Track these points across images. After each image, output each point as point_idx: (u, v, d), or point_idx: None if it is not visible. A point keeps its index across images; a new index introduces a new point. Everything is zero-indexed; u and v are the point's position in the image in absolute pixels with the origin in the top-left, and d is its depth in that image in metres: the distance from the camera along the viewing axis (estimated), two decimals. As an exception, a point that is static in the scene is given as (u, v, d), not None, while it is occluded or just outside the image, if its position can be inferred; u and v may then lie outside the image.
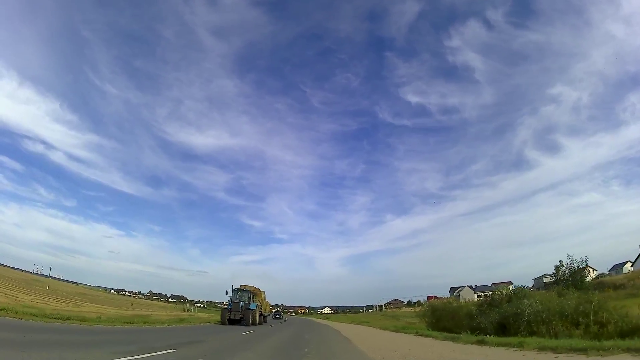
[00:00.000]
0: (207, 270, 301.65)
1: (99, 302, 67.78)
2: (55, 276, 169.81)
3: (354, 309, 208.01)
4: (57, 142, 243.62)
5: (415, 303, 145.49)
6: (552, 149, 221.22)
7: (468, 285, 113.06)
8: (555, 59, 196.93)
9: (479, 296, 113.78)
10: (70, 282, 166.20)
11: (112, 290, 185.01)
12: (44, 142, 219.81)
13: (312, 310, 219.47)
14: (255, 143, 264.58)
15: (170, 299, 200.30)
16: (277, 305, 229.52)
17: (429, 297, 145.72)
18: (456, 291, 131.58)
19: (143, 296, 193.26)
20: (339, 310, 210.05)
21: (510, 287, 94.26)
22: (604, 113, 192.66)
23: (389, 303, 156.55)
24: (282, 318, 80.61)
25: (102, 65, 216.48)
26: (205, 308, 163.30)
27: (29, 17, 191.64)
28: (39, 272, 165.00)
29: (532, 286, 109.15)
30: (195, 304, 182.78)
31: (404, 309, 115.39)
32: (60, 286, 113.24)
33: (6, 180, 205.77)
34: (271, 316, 69.93)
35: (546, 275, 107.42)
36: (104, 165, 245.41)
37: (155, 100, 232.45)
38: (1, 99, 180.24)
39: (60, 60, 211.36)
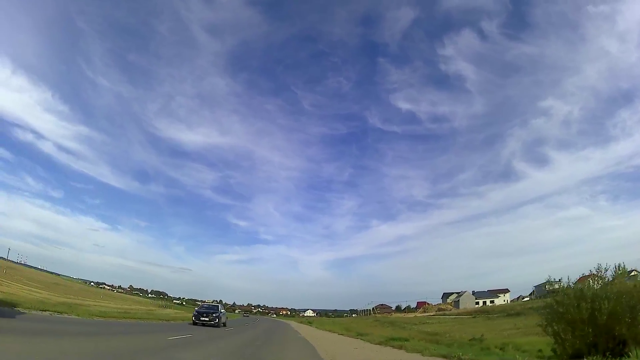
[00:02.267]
0: (191, 268, 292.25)
1: (53, 290, 57.06)
2: (38, 266, 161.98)
3: (337, 313, 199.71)
4: (47, 132, 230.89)
5: (405, 309, 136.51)
6: (541, 161, 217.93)
7: (470, 291, 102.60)
8: (548, 72, 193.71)
9: (477, 303, 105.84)
10: (51, 272, 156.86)
11: (92, 283, 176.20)
12: (34, 132, 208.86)
13: (295, 313, 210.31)
14: (245, 143, 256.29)
15: (150, 295, 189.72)
16: (258, 306, 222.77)
17: (419, 303, 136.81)
18: (450, 297, 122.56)
19: (122, 290, 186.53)
20: (321, 314, 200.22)
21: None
22: (594, 128, 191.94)
23: (375, 308, 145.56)
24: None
25: (95, 57, 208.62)
26: (184, 305, 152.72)
27: (25, 4, 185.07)
28: (22, 262, 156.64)
29: (533, 293, 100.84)
30: (174, 301, 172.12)
31: (395, 315, 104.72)
32: (31, 274, 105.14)
33: None
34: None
35: (549, 282, 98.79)
36: (93, 157, 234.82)
37: (146, 95, 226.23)
38: None
39: (54, 50, 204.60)
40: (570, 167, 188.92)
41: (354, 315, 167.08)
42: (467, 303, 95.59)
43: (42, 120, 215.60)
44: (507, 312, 52.84)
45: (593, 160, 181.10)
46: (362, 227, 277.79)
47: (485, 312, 63.21)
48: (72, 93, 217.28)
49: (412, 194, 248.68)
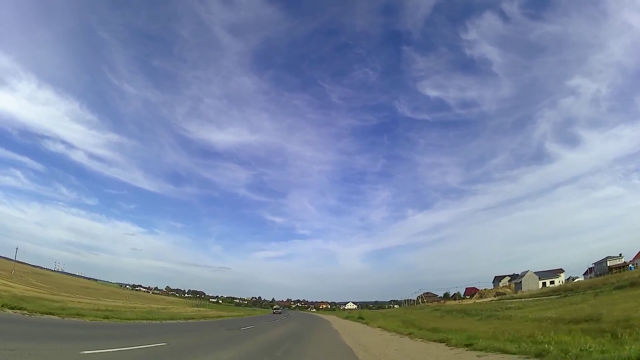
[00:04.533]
0: (230, 266, 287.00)
1: (68, 291, 48.95)
2: (76, 273, 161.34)
3: (378, 304, 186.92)
4: (78, 141, 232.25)
5: (453, 295, 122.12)
6: (572, 141, 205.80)
7: (532, 271, 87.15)
8: (573, 50, 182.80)
9: (544, 283, 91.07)
10: (88, 278, 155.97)
11: (128, 286, 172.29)
12: (64, 142, 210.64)
13: (335, 306, 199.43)
14: (275, 139, 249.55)
15: (187, 294, 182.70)
16: (297, 301, 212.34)
17: (468, 289, 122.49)
18: (502, 280, 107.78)
19: (159, 292, 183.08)
20: (362, 306, 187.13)
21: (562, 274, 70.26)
22: (623, 105, 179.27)
23: (421, 296, 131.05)
24: None
25: (120, 65, 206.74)
26: (219, 303, 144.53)
27: (45, 19, 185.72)
28: (60, 270, 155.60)
29: (592, 271, 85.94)
30: (211, 300, 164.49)
31: (449, 302, 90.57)
32: (60, 279, 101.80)
33: (27, 180, 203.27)
34: None
35: (610, 257, 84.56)
36: (125, 163, 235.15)
37: (174, 99, 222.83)
38: (21, 101, 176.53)
39: (78, 62, 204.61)
40: (602, 146, 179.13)
41: (395, 306, 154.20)
42: (531, 284, 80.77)
43: (72, 131, 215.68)
44: (613, 285, 38.69)
45: (624, 138, 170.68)
46: (398, 217, 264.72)
47: (567, 290, 48.94)
48: (99, 102, 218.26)
49: (446, 181, 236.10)
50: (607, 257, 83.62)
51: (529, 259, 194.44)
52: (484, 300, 74.72)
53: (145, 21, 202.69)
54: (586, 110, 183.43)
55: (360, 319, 46.83)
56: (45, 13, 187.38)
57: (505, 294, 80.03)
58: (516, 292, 75.06)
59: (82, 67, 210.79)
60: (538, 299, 45.57)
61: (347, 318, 57.28)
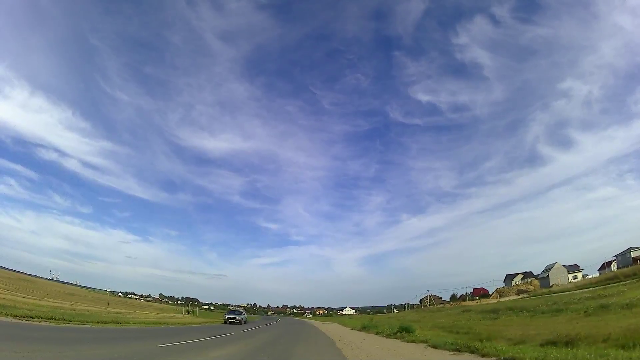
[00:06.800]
0: (226, 274, 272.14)
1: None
2: (71, 282, 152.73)
3: (376, 309, 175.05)
4: (71, 149, 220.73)
5: (460, 297, 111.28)
6: (566, 143, 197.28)
7: (560, 263, 76.65)
8: (564, 52, 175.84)
9: (574, 277, 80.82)
10: (82, 286, 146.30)
11: (120, 294, 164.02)
12: (57, 150, 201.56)
13: (332, 312, 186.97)
14: (268, 146, 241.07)
15: (180, 302, 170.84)
16: (293, 307, 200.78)
17: (475, 290, 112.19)
18: (514, 278, 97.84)
19: (151, 299, 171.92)
20: (360, 311, 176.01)
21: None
22: (615, 106, 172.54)
23: (426, 298, 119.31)
24: None
25: (112, 72, 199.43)
26: (211, 310, 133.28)
27: (38, 27, 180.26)
28: (54, 279, 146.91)
29: (609, 265, 77.42)
30: (203, 306, 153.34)
31: (465, 303, 79.63)
32: (47, 286, 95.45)
33: (21, 189, 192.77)
34: None
35: (633, 248, 75.89)
36: (118, 171, 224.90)
37: (166, 106, 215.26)
38: (14, 109, 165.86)
39: (70, 69, 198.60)
40: (595, 147, 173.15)
41: (395, 310, 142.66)
42: (559, 278, 70.58)
43: (65, 139, 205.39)
44: None
45: (617, 139, 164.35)
46: (393, 222, 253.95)
47: (628, 275, 38.86)
48: (92, 110, 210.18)
49: (440, 185, 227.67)
50: (629, 248, 74.72)
51: (527, 260, 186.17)
52: (509, 298, 64.09)
53: (137, 28, 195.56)
54: (578, 112, 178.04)
55: (406, 332, 22.12)
56: (38, 20, 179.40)
57: (527, 290, 69.68)
58: (550, 287, 64.39)
59: (74, 74, 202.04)
60: (604, 287, 35.00)
61: (364, 329, 33.03)
